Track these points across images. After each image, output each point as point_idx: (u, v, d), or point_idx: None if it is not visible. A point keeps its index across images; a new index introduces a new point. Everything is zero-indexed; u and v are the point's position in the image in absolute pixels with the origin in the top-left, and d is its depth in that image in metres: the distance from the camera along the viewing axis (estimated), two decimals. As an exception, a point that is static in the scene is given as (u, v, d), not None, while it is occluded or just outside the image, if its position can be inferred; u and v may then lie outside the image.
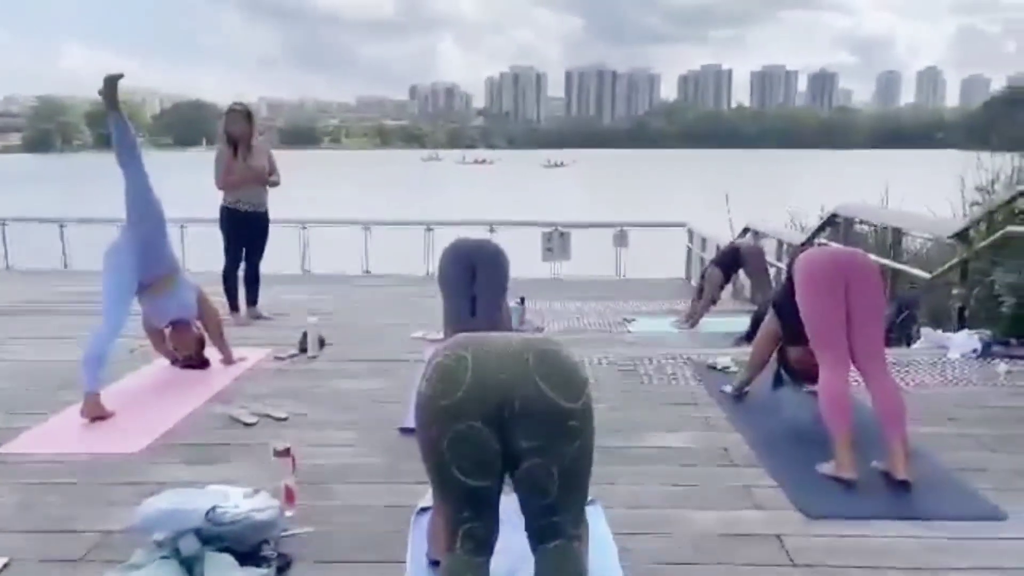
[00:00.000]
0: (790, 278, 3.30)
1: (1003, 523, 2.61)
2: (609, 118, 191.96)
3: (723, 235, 9.89)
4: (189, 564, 2.16)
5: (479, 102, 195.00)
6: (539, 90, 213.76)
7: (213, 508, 2.24)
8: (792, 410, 3.68)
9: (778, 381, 3.74)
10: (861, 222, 7.63)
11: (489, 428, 1.78)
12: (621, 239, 11.65)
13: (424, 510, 2.61)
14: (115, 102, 3.73)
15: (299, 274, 10.34)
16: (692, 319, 6.95)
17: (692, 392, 4.07)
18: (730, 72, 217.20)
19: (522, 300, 5.89)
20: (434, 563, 2.23)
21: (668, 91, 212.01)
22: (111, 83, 3.73)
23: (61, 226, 11.19)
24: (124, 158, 3.82)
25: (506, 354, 1.83)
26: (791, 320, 3.25)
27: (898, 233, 6.50)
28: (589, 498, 2.40)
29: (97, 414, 3.54)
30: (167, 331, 4.21)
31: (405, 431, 3.42)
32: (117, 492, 2.85)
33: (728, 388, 3.96)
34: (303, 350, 4.74)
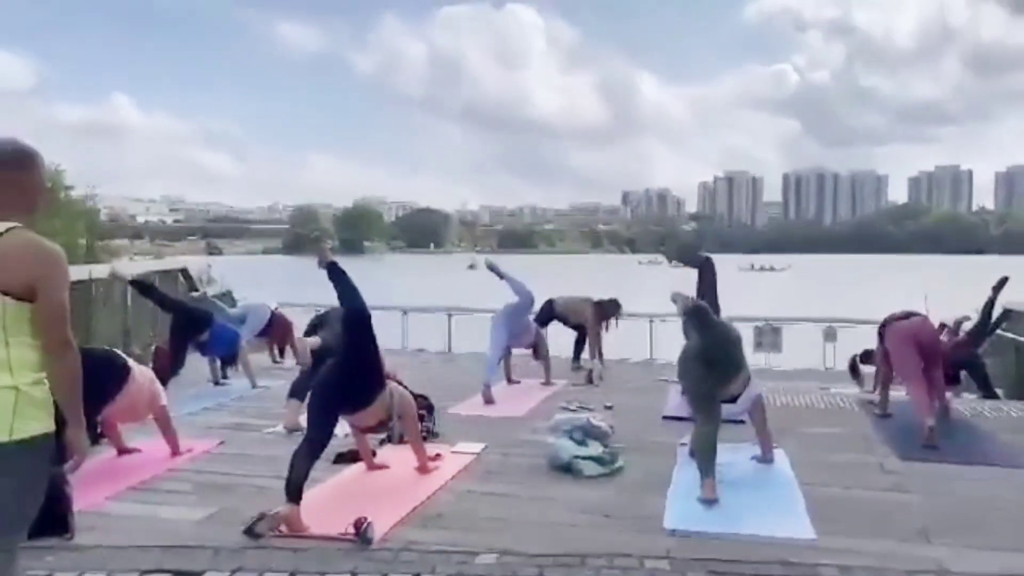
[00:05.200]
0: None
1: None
2: (830, 222, 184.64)
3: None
4: (577, 440, 4.70)
5: (691, 207, 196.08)
6: (754, 194, 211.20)
7: (589, 419, 4.81)
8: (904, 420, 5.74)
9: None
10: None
11: None
12: (830, 335, 13.32)
13: (683, 444, 5.01)
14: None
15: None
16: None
17: (854, 412, 6.19)
18: (970, 172, 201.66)
19: None
20: (691, 453, 4.63)
21: (896, 193, 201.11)
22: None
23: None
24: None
25: None
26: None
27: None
28: (777, 446, 4.71)
29: (489, 399, 6.33)
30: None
31: (667, 418, 5.87)
32: (524, 427, 5.53)
33: (877, 410, 6.05)
34: (589, 381, 7.37)
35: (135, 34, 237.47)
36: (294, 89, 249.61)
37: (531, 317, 7.14)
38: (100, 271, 8.34)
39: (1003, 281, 7.13)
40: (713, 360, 4.28)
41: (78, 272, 7.74)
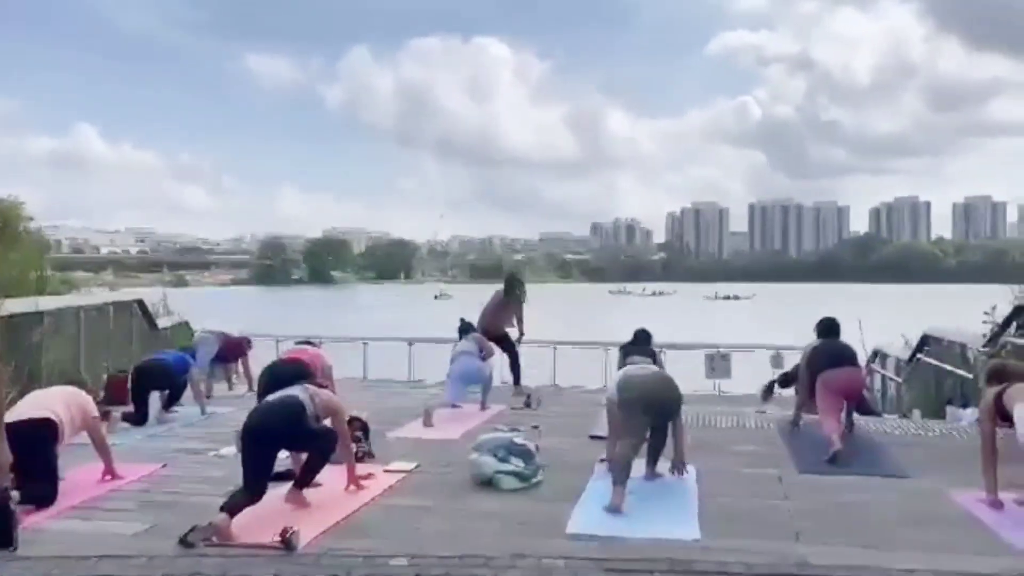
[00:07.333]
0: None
1: (905, 479, 5.00)
2: (795, 252, 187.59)
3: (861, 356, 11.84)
4: (500, 458, 5.05)
5: (659, 237, 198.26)
6: (721, 225, 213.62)
7: (512, 439, 5.17)
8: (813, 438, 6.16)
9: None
10: (949, 342, 9.63)
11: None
12: (777, 360, 13.80)
13: (601, 460, 5.37)
14: None
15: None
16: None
17: (772, 431, 6.62)
18: (928, 204, 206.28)
19: None
20: (604, 460, 5.00)
21: (858, 224, 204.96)
22: None
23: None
24: None
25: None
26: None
27: (963, 347, 8.57)
28: (689, 464, 5.10)
29: (429, 423, 6.67)
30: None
31: (593, 437, 6.24)
32: (458, 448, 5.85)
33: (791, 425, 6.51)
34: (527, 405, 7.75)
35: (100, 65, 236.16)
36: (265, 121, 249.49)
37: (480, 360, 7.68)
38: (50, 303, 8.54)
39: None
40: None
41: (29, 304, 7.98)
